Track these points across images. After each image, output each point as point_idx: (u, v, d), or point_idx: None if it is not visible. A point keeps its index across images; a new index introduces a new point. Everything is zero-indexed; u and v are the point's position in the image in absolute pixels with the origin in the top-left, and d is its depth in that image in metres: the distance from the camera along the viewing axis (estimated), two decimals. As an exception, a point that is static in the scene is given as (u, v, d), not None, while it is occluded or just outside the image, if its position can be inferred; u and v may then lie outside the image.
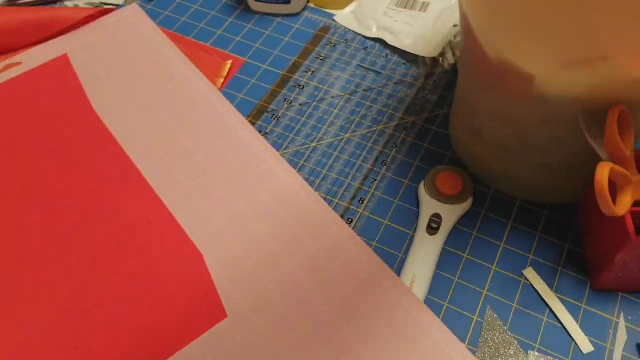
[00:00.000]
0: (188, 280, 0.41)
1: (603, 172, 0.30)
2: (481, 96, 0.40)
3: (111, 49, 0.54)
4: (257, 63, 0.54)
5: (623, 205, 0.32)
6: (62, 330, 0.39)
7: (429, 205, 0.43)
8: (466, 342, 0.38)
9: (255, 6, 0.58)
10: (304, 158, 0.47)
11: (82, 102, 0.50)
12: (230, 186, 0.45)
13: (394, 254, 0.42)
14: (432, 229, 0.42)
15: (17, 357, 0.38)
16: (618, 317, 0.39)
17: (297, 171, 0.47)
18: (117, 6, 0.59)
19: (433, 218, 0.42)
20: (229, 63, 0.54)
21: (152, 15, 0.58)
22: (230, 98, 0.51)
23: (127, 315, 0.39)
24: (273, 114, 0.50)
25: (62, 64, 0.53)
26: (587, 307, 0.39)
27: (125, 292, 0.40)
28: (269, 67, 0.54)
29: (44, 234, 0.43)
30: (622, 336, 0.38)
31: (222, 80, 0.52)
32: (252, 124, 0.50)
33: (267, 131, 0.49)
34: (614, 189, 0.34)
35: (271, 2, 0.57)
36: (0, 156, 0.47)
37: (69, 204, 0.45)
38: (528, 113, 0.37)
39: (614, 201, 0.33)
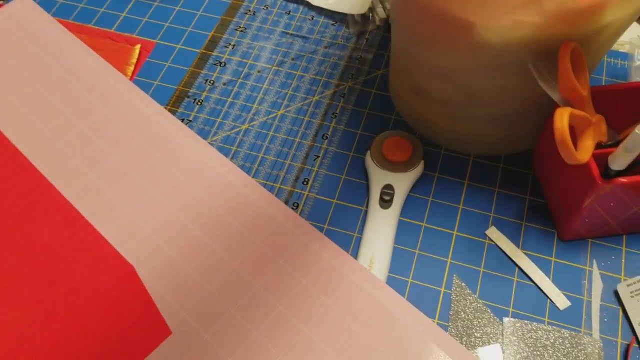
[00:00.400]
0: (123, 298, 0.36)
1: (563, 119, 0.26)
2: (419, 51, 0.36)
3: (3, 50, 0.47)
4: (169, 44, 0.48)
5: (585, 150, 0.30)
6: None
7: (378, 177, 0.39)
8: (436, 317, 0.35)
9: (160, -20, 0.52)
10: (236, 143, 0.43)
11: None
12: (155, 186, 0.40)
13: (349, 234, 0.39)
14: (385, 201, 0.38)
15: None
16: (591, 265, 0.37)
17: (230, 159, 0.42)
18: (5, 1, 0.52)
19: (385, 190, 0.39)
20: (137, 48, 0.48)
21: (46, 6, 0.51)
22: (144, 87, 0.46)
23: (63, 345, 0.34)
24: (195, 99, 0.45)
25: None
26: (558, 260, 0.37)
27: (56, 321, 0.35)
28: (183, 47, 0.48)
29: None
30: (597, 285, 0.36)
31: (132, 68, 0.46)
32: (173, 112, 0.44)
33: (190, 119, 0.44)
34: (573, 134, 0.31)
35: (177, -26, 0.51)
36: None
37: None
38: (471, 64, 0.34)
39: (575, 147, 0.30)
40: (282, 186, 0.41)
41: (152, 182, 0.40)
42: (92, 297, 0.36)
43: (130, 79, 0.46)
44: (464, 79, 0.35)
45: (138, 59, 0.47)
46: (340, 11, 0.49)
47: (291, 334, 0.34)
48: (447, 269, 0.37)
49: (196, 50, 0.48)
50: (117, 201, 0.40)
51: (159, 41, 0.49)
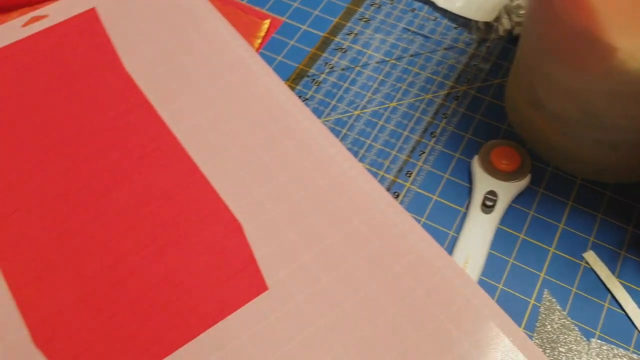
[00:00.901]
0: (227, 251, 0.39)
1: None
2: (548, 66, 0.37)
3: (142, 4, 0.51)
4: (296, 24, 0.51)
5: None
6: (95, 300, 0.37)
7: (483, 182, 0.40)
8: (522, 326, 0.36)
9: (295, -38, 0.54)
10: (347, 127, 0.45)
11: (112, 60, 0.48)
12: (269, 155, 0.43)
13: (445, 231, 0.40)
14: (487, 207, 0.39)
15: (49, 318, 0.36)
16: (687, 307, 0.36)
17: (340, 140, 0.44)
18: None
19: (488, 196, 0.39)
20: (267, 23, 0.50)
21: (185, -31, 0.54)
22: (268, 60, 0.48)
23: (162, 285, 0.37)
24: (313, 79, 0.47)
25: (89, 18, 0.50)
26: (653, 296, 0.37)
27: (159, 262, 0.38)
28: (308, 29, 0.50)
29: (69, 198, 0.41)
30: (691, 328, 0.35)
31: (259, 41, 0.49)
32: (292, 89, 0.47)
33: (307, 97, 0.46)
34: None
35: (312, -41, 0.53)
36: (24, 114, 0.45)
37: (97, 167, 0.42)
38: (601, 88, 0.34)
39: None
40: (385, 174, 0.42)
41: (266, 151, 0.43)
42: (199, 245, 0.39)
43: (257, 51, 0.49)
44: (592, 100, 0.35)
45: (266, 34, 0.50)
46: (465, 16, 0.50)
47: (377, 313, 0.36)
48: (539, 282, 0.37)
49: (320, 33, 0.50)
50: (232, 163, 0.42)
51: (286, 19, 0.51)
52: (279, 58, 0.49)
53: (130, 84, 0.46)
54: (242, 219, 0.40)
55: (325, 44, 0.49)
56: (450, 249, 0.39)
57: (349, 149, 0.43)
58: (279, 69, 0.48)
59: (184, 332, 0.36)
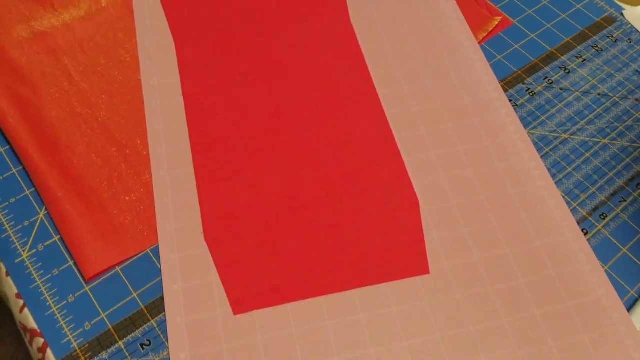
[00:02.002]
0: (399, 222, 0.38)
1: None
2: None
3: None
4: (525, 30, 0.49)
5: None
6: (267, 218, 0.38)
7: (690, 253, 0.36)
8: (686, 419, 0.32)
9: (542, -30, 0.52)
10: (551, 147, 0.42)
11: (341, 11, 0.48)
12: (464, 145, 0.41)
13: (626, 288, 0.37)
14: (686, 279, 0.35)
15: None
16: None
17: (541, 157, 0.42)
18: None
19: (692, 269, 0.36)
20: (497, 20, 0.49)
21: (430, -55, 0.54)
22: (487, 55, 0.47)
23: (331, 230, 0.37)
24: (528, 89, 0.45)
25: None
26: None
27: (335, 208, 0.38)
28: (536, 38, 0.48)
29: (273, 117, 0.42)
30: None
31: (484, 34, 0.48)
32: (503, 90, 0.45)
33: (517, 103, 0.44)
34: None
35: (562, -29, 0.51)
36: (249, 28, 0.47)
37: (303, 100, 0.43)
38: None
39: None
40: (578, 207, 0.40)
41: (461, 140, 0.42)
42: (375, 207, 0.38)
43: (479, 43, 0.47)
44: None
45: (492, 30, 0.48)
46: None
47: (532, 342, 0.34)
48: None
49: (547, 47, 0.48)
50: (425, 142, 0.41)
51: (516, 22, 0.49)
52: (499, 57, 0.47)
53: (351, 37, 0.47)
54: (421, 198, 0.39)
55: (550, 58, 0.47)
56: (628, 305, 0.36)
57: (548, 169, 0.41)
58: (496, 67, 0.46)
59: (337, 282, 0.36)
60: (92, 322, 0.34)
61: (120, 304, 0.35)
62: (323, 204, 0.38)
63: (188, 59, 0.44)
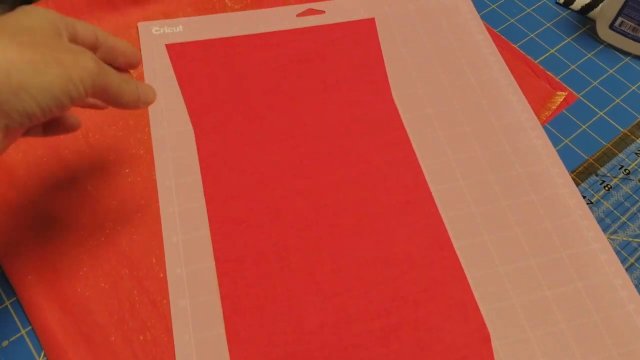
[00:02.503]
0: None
1: None
2: None
3: (420, 23, 0.46)
4: (591, 106, 0.43)
5: None
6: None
7: None
8: None
9: (606, 36, 0.46)
10: (636, 256, 0.36)
11: (379, 75, 0.42)
12: (535, 258, 0.35)
13: None
14: None
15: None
16: None
17: (625, 270, 0.35)
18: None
19: None
20: (561, 96, 0.43)
21: (477, 4, 0.48)
22: (553, 140, 0.41)
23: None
24: (603, 181, 0.39)
25: (368, 27, 0.45)
26: None
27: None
28: (606, 117, 0.42)
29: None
30: None
31: (547, 113, 0.42)
32: (575, 184, 0.39)
33: (592, 201, 0.38)
34: None
35: (631, 38, 0.44)
36: (283, 94, 0.41)
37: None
38: None
39: None
40: (676, 336, 0.33)
41: (531, 249, 0.35)
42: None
43: (542, 123, 0.41)
44: None
45: (557, 107, 0.42)
46: None
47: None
48: None
49: (619, 127, 0.42)
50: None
51: (581, 97, 0.43)
52: (566, 141, 0.41)
53: (392, 110, 0.41)
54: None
55: (624, 141, 0.41)
56: None
57: (636, 285, 0.35)
58: (564, 155, 0.40)
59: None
60: None
61: None
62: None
63: (209, 151, 0.38)
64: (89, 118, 0.38)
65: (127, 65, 0.30)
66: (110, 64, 0.28)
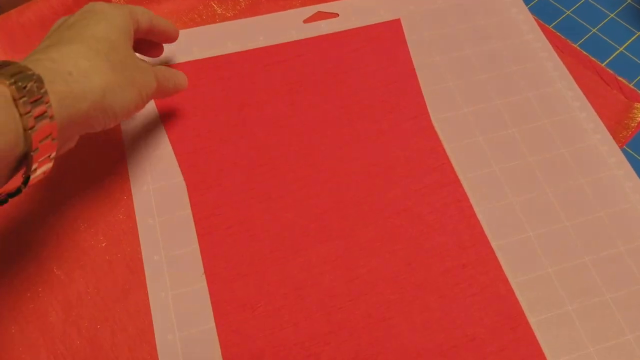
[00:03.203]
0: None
1: None
2: None
3: (455, 22, 0.37)
4: (677, 118, 0.34)
5: None
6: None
7: None
8: None
9: (687, 25, 0.37)
10: None
11: (410, 85, 0.34)
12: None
13: None
14: None
15: None
16: None
17: None
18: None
19: None
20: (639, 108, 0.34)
21: (523, -6, 0.39)
22: (634, 164, 0.32)
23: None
24: None
25: (393, 31, 0.37)
26: None
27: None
28: (697, 132, 0.34)
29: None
30: None
31: (626, 134, 0.33)
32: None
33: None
34: None
35: None
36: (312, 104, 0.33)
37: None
38: None
39: None
40: None
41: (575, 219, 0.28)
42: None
43: (620, 145, 0.33)
44: None
45: (636, 125, 0.34)
46: None
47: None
48: None
49: None
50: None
51: (665, 107, 0.35)
52: (651, 166, 0.33)
53: (434, 139, 0.32)
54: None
55: None
56: None
57: None
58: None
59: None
60: None
61: None
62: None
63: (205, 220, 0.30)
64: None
65: (167, 40, 0.32)
66: (157, 41, 0.32)
